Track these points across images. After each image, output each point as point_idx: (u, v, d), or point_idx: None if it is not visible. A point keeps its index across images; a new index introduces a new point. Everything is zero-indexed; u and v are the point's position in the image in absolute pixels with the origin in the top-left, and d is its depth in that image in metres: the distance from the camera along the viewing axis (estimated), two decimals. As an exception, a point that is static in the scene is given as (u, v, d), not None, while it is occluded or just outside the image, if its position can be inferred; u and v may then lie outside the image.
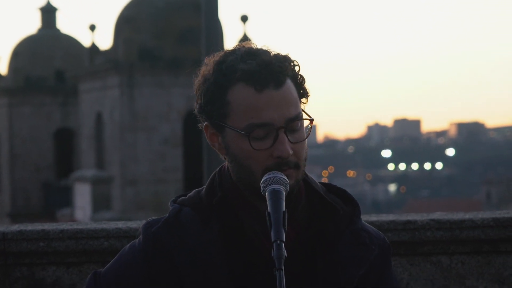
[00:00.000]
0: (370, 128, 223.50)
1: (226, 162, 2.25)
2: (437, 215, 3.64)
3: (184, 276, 2.17)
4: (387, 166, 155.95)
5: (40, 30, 41.45)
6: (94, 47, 34.02)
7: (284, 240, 2.03)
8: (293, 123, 2.16)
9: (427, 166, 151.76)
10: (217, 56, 2.22)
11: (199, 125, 2.27)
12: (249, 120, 2.15)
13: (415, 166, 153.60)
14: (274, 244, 2.02)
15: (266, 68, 2.15)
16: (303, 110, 2.20)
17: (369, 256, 2.25)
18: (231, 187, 2.23)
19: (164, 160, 30.75)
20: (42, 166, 38.94)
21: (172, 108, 30.92)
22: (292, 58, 2.21)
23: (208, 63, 2.22)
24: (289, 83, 2.18)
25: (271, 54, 2.19)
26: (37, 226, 3.57)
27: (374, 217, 3.62)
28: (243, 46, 2.22)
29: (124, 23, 31.74)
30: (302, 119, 2.19)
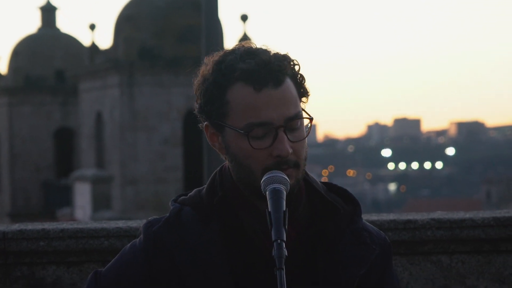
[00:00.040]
0: (370, 128, 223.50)
1: (227, 162, 2.25)
2: (438, 214, 3.64)
3: (185, 275, 2.17)
4: (387, 165, 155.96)
5: (40, 30, 41.43)
6: (94, 46, 34.00)
7: (285, 239, 2.03)
8: (292, 122, 2.16)
9: (427, 165, 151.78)
10: (216, 56, 2.22)
11: (200, 125, 2.27)
12: (248, 120, 2.15)
13: (415, 165, 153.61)
14: (274, 244, 2.02)
15: (265, 67, 2.15)
16: (303, 109, 2.20)
17: (370, 255, 2.24)
18: (232, 186, 2.23)
19: (164, 159, 30.74)
20: (42, 166, 38.92)
21: (172, 108, 30.90)
22: (292, 58, 2.21)
23: (208, 63, 2.22)
24: (289, 82, 2.18)
25: (271, 54, 2.18)
26: (38, 226, 3.57)
27: (374, 217, 3.62)
28: (243, 46, 2.22)
29: (124, 22, 31.73)
30: (301, 118, 2.18)
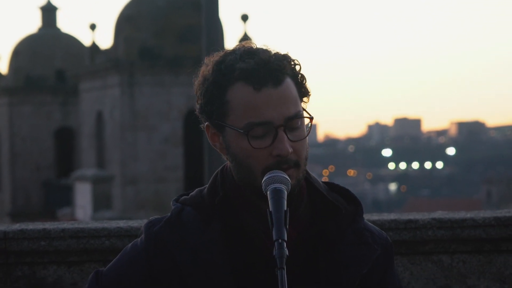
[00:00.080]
0: (370, 127, 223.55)
1: (228, 162, 2.25)
2: (439, 214, 3.64)
3: (186, 275, 2.17)
4: (387, 165, 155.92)
5: (40, 29, 41.45)
6: (94, 46, 34.01)
7: (286, 239, 2.02)
8: (292, 121, 2.16)
9: (428, 165, 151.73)
10: (216, 56, 2.22)
11: (201, 125, 2.27)
12: (248, 119, 2.14)
13: (415, 165, 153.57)
14: (275, 243, 2.02)
15: (265, 66, 2.15)
16: (303, 109, 2.20)
17: (372, 255, 2.24)
18: (233, 186, 2.23)
19: (165, 159, 30.74)
20: (43, 165, 38.93)
21: (173, 107, 30.91)
22: (292, 57, 2.21)
23: (208, 63, 2.22)
24: (289, 81, 2.18)
25: (271, 53, 2.18)
26: (38, 225, 3.57)
27: (375, 216, 3.61)
28: (243, 46, 2.22)
29: (125, 22, 31.72)
30: (301, 117, 2.18)
